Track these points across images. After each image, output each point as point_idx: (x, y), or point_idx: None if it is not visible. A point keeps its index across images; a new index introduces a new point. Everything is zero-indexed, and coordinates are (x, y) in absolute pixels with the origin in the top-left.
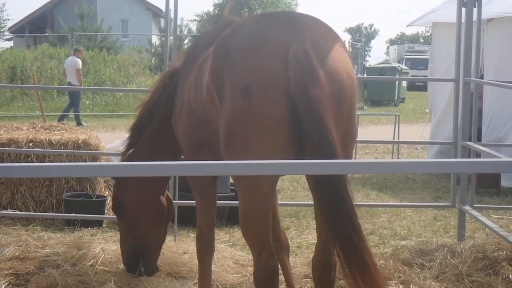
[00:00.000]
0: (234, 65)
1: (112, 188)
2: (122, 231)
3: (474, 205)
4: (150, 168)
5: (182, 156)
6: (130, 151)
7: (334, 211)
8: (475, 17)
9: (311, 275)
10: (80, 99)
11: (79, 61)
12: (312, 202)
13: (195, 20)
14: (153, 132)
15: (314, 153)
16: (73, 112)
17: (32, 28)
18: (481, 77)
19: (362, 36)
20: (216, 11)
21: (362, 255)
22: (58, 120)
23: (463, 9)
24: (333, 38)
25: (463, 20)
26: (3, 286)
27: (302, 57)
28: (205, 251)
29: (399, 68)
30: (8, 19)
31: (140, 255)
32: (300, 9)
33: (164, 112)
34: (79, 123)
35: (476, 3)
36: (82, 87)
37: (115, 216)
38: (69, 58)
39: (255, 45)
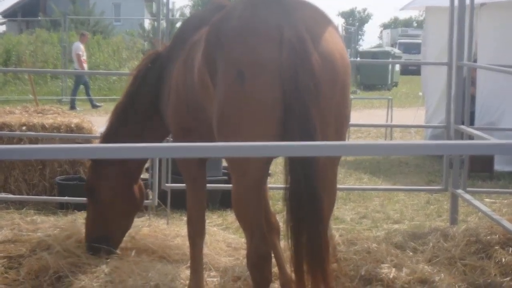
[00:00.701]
0: (227, 49)
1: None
2: (89, 213)
3: (467, 189)
4: (140, 149)
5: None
6: (108, 134)
7: (297, 192)
8: (468, 1)
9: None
10: (88, 83)
11: (80, 46)
12: None
13: (187, 5)
14: (134, 117)
15: (297, 136)
16: (71, 96)
17: (25, 12)
18: (475, 61)
19: (356, 20)
20: None
21: (318, 247)
22: (70, 108)
23: None
24: (325, 21)
25: (456, 3)
26: None
27: (295, 41)
28: (196, 234)
29: (392, 52)
30: None
31: (103, 240)
32: None
33: (146, 96)
34: (94, 106)
35: None
36: (75, 70)
37: None
38: (74, 43)
39: (247, 28)
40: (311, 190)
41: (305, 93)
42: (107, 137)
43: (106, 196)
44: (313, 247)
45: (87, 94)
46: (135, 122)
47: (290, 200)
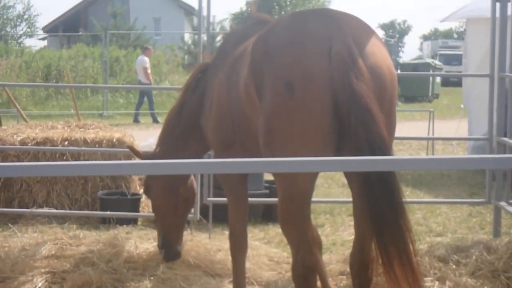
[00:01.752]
0: (275, 60)
1: None
2: (154, 215)
3: (510, 201)
4: (180, 166)
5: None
6: (158, 149)
7: (380, 210)
8: (509, 12)
9: (346, 272)
10: (152, 97)
11: (146, 59)
12: (347, 199)
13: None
14: (182, 129)
15: (361, 148)
16: (135, 110)
17: (66, 27)
18: None
19: (396, 32)
20: (249, 9)
21: (406, 254)
22: (134, 121)
23: (497, 4)
24: (371, 34)
25: (497, 14)
26: (40, 284)
27: (345, 54)
28: (238, 249)
29: (433, 64)
30: (37, 14)
31: (165, 238)
32: (333, 6)
33: (193, 108)
34: (155, 120)
35: None
36: (117, 85)
37: (150, 214)
38: (139, 57)
39: (295, 40)
40: (393, 204)
41: (363, 96)
42: (157, 148)
43: (159, 193)
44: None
45: (151, 108)
46: (181, 134)
47: (373, 219)
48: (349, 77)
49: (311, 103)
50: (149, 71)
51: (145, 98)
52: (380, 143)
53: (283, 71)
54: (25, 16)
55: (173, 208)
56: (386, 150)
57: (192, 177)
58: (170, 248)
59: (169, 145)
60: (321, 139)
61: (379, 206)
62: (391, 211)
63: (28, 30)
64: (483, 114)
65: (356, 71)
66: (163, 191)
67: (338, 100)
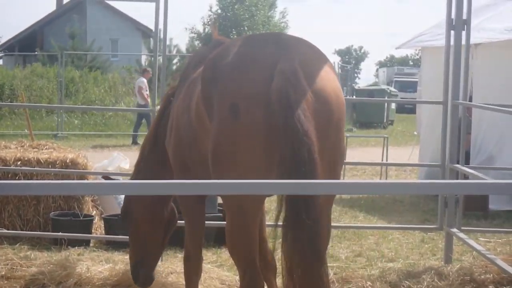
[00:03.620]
0: (221, 84)
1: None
2: (129, 239)
3: (462, 228)
4: (133, 187)
5: None
6: (138, 162)
7: (297, 230)
8: (463, 41)
9: None
10: (150, 118)
11: (144, 80)
12: None
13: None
14: (157, 152)
15: (291, 163)
16: (133, 131)
17: (22, 47)
18: (470, 99)
19: (352, 58)
20: (207, 30)
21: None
22: (132, 143)
23: (452, 32)
24: (321, 59)
25: (451, 42)
26: None
27: (288, 73)
28: (193, 272)
29: (388, 91)
30: None
31: (139, 265)
32: (290, 30)
33: (163, 132)
34: (134, 142)
35: (465, 26)
36: (72, 105)
37: (102, 236)
38: (139, 78)
39: (241, 64)
40: (313, 229)
41: (298, 108)
42: (135, 172)
43: (137, 220)
44: (311, 285)
45: (135, 130)
46: (156, 158)
47: (289, 238)
48: (287, 90)
49: (255, 125)
50: (145, 92)
51: (144, 120)
52: (308, 158)
53: (228, 93)
54: None
55: (155, 234)
56: (313, 176)
57: (172, 204)
58: (145, 274)
59: (146, 170)
60: (265, 161)
61: (294, 227)
62: (305, 234)
63: None
64: (434, 141)
65: (297, 88)
66: (146, 216)
67: (275, 115)
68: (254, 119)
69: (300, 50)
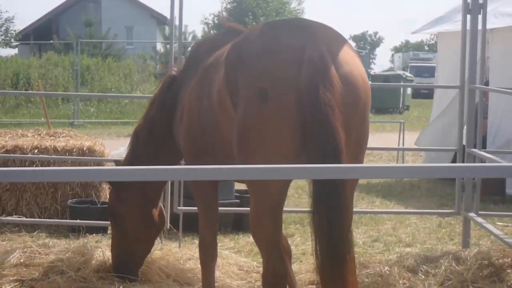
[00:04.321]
0: (249, 69)
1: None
2: (113, 237)
3: (479, 212)
4: (151, 172)
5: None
6: (130, 157)
7: (325, 216)
8: (480, 25)
9: (316, 281)
10: None
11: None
12: None
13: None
14: (153, 140)
15: (317, 157)
16: None
17: (37, 35)
18: (486, 84)
19: (367, 43)
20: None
21: (343, 272)
22: None
23: (468, 16)
24: (345, 44)
25: (468, 27)
26: None
27: (317, 60)
28: (208, 257)
29: (404, 76)
30: (15, 30)
31: (126, 263)
32: (305, 17)
33: (163, 119)
34: None
35: (481, 10)
36: (88, 93)
37: None
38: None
39: (270, 49)
40: (338, 214)
41: (326, 106)
42: (128, 159)
43: (126, 220)
44: (338, 270)
45: None
46: (152, 146)
47: (315, 223)
48: (316, 84)
49: (283, 110)
50: None
51: None
52: (335, 154)
53: (256, 79)
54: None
55: (142, 234)
56: (339, 162)
57: (161, 204)
58: (130, 271)
59: (140, 158)
60: (292, 146)
61: (322, 214)
62: (332, 221)
63: (5, 38)
64: (441, 126)
65: (324, 79)
66: (133, 216)
67: (304, 105)
68: (282, 103)
69: (325, 35)
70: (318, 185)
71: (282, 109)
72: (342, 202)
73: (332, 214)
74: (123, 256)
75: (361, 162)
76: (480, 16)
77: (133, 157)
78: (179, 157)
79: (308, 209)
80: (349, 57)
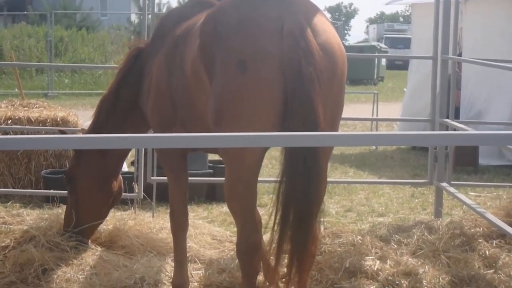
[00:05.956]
0: (226, 40)
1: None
2: (68, 203)
3: (452, 183)
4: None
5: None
6: (92, 127)
7: (301, 185)
8: None
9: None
10: None
11: None
12: None
13: None
14: (116, 111)
15: (299, 127)
16: None
17: (11, 7)
18: (460, 55)
19: (342, 15)
20: None
21: (306, 240)
22: None
23: None
24: (320, 13)
25: None
26: None
27: (297, 31)
28: (179, 227)
29: (378, 47)
30: None
31: (77, 230)
32: None
33: (129, 91)
34: None
35: None
36: (62, 64)
37: None
38: None
39: (248, 19)
40: (311, 183)
41: (309, 82)
42: (92, 130)
43: (82, 186)
44: (302, 240)
45: None
46: (117, 117)
47: (288, 192)
48: (298, 56)
49: (264, 81)
50: None
51: None
52: (315, 125)
53: (235, 50)
54: None
55: (98, 204)
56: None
57: (120, 177)
58: (80, 241)
59: (102, 128)
60: (271, 117)
61: (297, 183)
62: (307, 191)
63: None
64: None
65: (306, 49)
66: (93, 185)
67: (285, 78)
68: (261, 74)
69: (302, 6)
70: (294, 154)
71: (261, 79)
72: (319, 172)
73: (307, 183)
74: (75, 224)
75: (337, 128)
76: None
77: (95, 127)
78: (144, 129)
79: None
80: (326, 27)
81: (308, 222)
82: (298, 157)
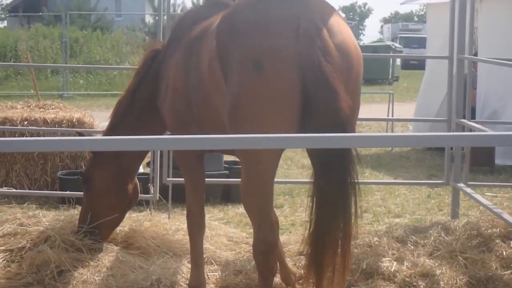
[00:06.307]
0: (243, 39)
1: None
2: (83, 204)
3: (468, 183)
4: (138, 142)
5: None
6: (110, 129)
7: (328, 187)
8: None
9: (304, 252)
10: None
11: None
12: (306, 180)
13: None
14: (134, 113)
15: (323, 127)
16: None
17: (26, 7)
18: (475, 54)
19: (356, 14)
20: None
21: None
22: None
23: None
24: (336, 13)
25: None
26: None
27: (313, 32)
28: (196, 229)
29: (393, 47)
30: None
31: (92, 231)
32: None
33: (146, 93)
34: None
35: None
36: (77, 65)
37: None
38: None
39: (263, 19)
40: (347, 184)
41: (331, 80)
42: (109, 131)
43: (99, 187)
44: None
45: None
46: (134, 118)
47: (322, 195)
48: (317, 55)
49: (279, 80)
50: None
51: None
52: (342, 123)
53: (251, 49)
54: None
55: (114, 207)
56: (348, 130)
57: (136, 179)
58: (95, 241)
59: (119, 130)
60: (288, 116)
61: (330, 184)
62: (340, 191)
63: None
64: (431, 97)
65: (323, 49)
66: (109, 187)
67: (305, 78)
68: (277, 73)
69: (317, 5)
70: (328, 156)
71: (276, 79)
72: (351, 171)
73: (343, 183)
74: (90, 223)
75: (354, 131)
76: None
77: (112, 129)
78: (161, 131)
79: (297, 180)
80: (342, 27)
81: (347, 226)
82: (333, 158)
